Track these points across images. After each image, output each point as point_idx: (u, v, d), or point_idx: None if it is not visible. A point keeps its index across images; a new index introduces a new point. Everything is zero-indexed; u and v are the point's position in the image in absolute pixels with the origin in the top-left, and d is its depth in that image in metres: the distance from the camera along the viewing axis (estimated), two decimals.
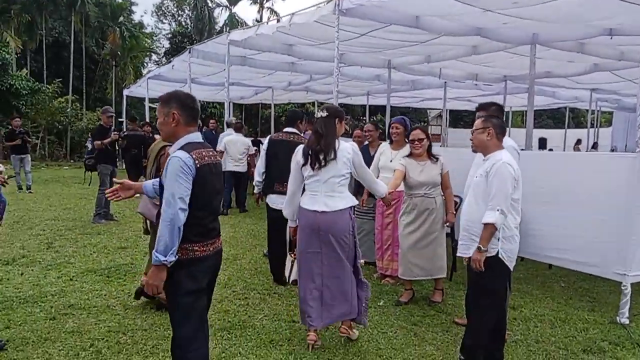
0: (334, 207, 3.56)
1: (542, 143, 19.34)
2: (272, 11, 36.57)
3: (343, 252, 3.61)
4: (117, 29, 27.50)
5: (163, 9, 38.74)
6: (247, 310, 4.36)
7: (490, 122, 3.27)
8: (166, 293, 2.57)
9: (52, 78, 27.03)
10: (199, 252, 2.54)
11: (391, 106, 22.34)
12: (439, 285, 4.77)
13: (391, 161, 5.10)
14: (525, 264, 5.73)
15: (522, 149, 9.91)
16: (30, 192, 11.65)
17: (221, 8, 35.51)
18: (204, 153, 2.55)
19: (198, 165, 2.46)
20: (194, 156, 2.46)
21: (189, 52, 11.16)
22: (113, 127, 8.29)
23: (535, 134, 11.45)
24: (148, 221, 4.30)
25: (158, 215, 4.00)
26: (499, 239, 3.09)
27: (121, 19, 28.40)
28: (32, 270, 5.40)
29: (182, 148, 2.50)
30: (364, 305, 3.75)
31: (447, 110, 16.47)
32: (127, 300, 4.54)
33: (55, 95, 23.53)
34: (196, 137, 2.61)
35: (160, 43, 36.90)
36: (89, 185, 7.90)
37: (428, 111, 33.43)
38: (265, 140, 5.42)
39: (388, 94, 11.65)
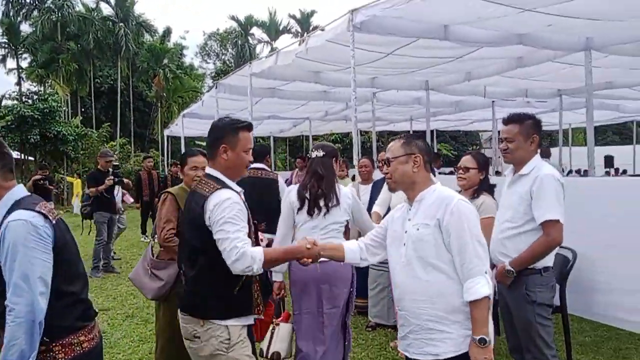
0: None
1: (609, 161, 17.50)
2: None
3: (341, 307, 3.23)
4: (161, 71, 28.28)
5: (207, 49, 39.86)
6: None
7: (415, 144, 2.29)
8: None
9: (109, 123, 28.08)
10: (86, 343, 1.86)
11: (439, 130, 21.60)
12: None
13: None
14: (592, 323, 4.43)
15: (585, 170, 8.76)
16: None
17: (262, 44, 36.08)
18: (49, 206, 1.87)
19: (53, 222, 1.80)
20: (43, 211, 1.77)
21: (216, 87, 10.86)
22: (111, 172, 7.81)
23: (600, 152, 10.20)
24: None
25: (151, 290, 3.10)
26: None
27: (165, 61, 29.21)
28: None
29: (18, 207, 1.77)
30: None
31: (498, 131, 15.24)
32: None
33: (105, 139, 24.17)
34: (23, 191, 1.88)
35: (205, 83, 37.74)
36: (89, 234, 7.42)
37: (480, 134, 31.96)
38: None
39: (427, 118, 10.73)
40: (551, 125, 17.13)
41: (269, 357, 2.95)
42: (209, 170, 2.43)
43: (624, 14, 5.51)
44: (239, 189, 2.42)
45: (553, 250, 2.85)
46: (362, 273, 4.96)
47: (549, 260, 2.85)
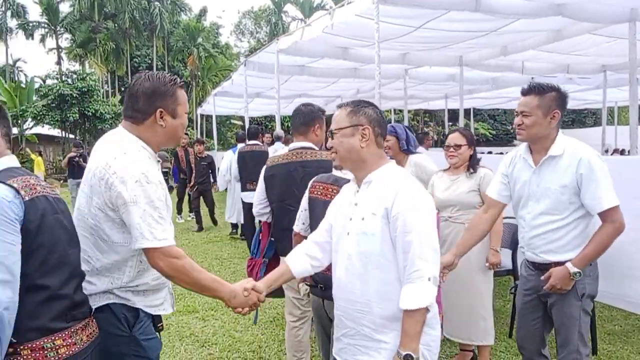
0: None
1: None
2: None
3: None
4: (195, 50, 28.45)
5: (241, 27, 39.79)
6: None
7: (364, 114, 1.90)
8: None
9: None
10: (64, 348, 1.56)
11: (475, 109, 20.93)
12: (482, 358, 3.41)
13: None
14: (624, 312, 4.20)
15: (628, 151, 8.28)
16: None
17: (297, 21, 35.67)
18: (31, 181, 1.59)
19: (26, 199, 1.51)
20: (15, 185, 1.50)
21: (245, 65, 10.78)
22: None
23: None
24: None
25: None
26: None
27: (200, 40, 29.34)
28: None
29: None
30: None
31: None
32: None
33: None
34: (12, 161, 1.65)
35: (240, 61, 37.88)
36: None
37: None
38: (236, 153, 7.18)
39: (461, 95, 10.37)
40: (596, 103, 16.32)
41: None
42: (304, 143, 2.98)
43: None
44: None
45: None
46: None
47: None
